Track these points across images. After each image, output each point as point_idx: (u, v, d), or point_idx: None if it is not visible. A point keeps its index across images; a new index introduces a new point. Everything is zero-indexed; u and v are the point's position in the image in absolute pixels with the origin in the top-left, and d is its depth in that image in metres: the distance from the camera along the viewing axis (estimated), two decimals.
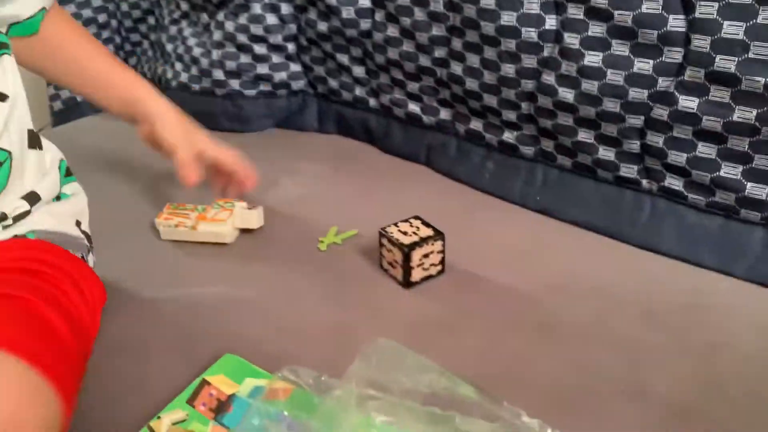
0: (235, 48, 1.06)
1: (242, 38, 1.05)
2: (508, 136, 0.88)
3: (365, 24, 0.95)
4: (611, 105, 0.75)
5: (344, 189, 0.93)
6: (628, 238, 0.77)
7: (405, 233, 0.71)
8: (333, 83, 1.05)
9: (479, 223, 0.83)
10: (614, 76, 0.73)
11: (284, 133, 1.12)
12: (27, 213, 0.58)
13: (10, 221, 0.57)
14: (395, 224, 0.72)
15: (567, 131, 0.81)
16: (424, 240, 0.70)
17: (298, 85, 1.09)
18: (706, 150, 0.71)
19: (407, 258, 0.68)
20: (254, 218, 0.80)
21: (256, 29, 1.04)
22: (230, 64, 1.07)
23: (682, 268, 0.72)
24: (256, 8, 1.03)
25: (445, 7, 0.85)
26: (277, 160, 1.02)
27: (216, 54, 1.08)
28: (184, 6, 1.13)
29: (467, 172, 0.92)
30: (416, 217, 0.73)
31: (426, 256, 0.70)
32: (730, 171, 0.70)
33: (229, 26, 1.05)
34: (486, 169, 0.90)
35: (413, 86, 0.96)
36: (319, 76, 1.06)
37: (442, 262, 0.71)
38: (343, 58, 1.01)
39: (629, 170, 0.78)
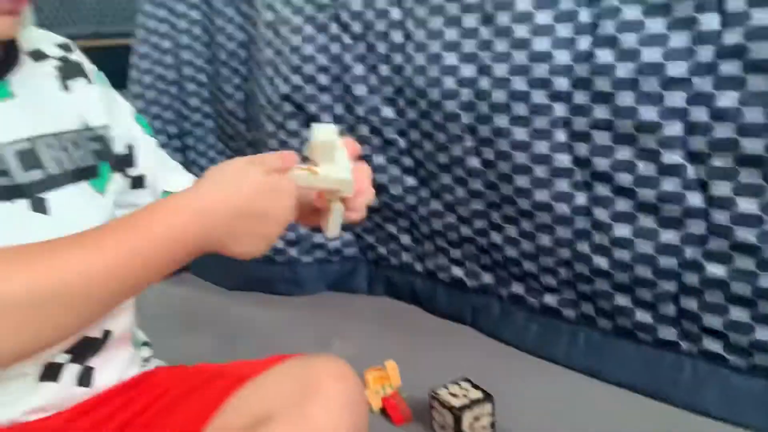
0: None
1: None
2: (550, 299, 0.93)
3: (412, 199, 1.05)
4: (643, 272, 0.80)
5: (393, 349, 0.97)
6: (670, 399, 0.78)
7: (455, 395, 0.74)
8: (382, 250, 1.13)
9: (526, 385, 0.85)
10: (644, 246, 0.79)
11: (336, 295, 1.19)
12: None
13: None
14: (445, 386, 0.75)
15: (605, 296, 0.85)
16: (474, 402, 0.72)
17: (350, 251, 1.17)
18: (739, 314, 0.74)
19: (458, 421, 0.71)
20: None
21: None
22: (290, 234, 1.17)
23: (726, 430, 0.73)
24: None
25: (483, 186, 0.94)
26: (329, 321, 1.08)
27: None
28: None
29: (512, 334, 0.96)
30: (465, 379, 0.77)
31: (476, 419, 0.72)
32: (766, 334, 0.72)
33: None
34: (530, 331, 0.94)
35: (456, 253, 1.03)
36: (369, 243, 1.15)
37: (493, 425, 0.74)
38: (392, 228, 1.10)
39: (668, 333, 0.81)
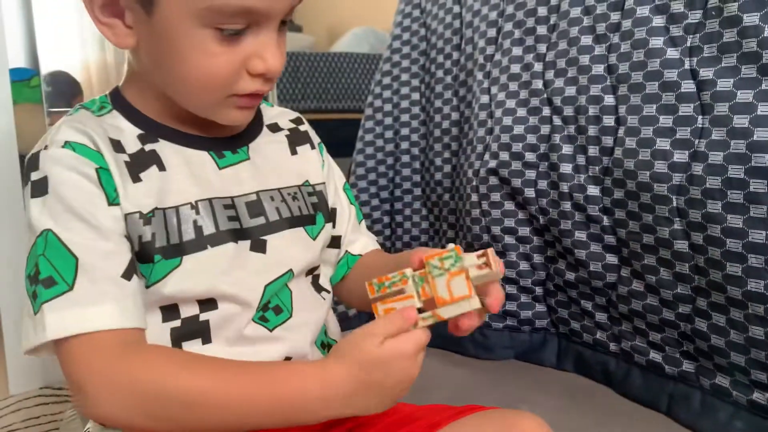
0: None
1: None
2: (759, 396, 0.86)
3: (611, 277, 1.04)
4: None
5: (581, 426, 0.95)
6: None
7: None
8: (575, 325, 1.13)
9: None
10: None
11: (523, 365, 1.20)
12: None
13: None
14: None
15: None
16: None
17: (542, 323, 1.18)
18: None
19: None
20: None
21: (510, 273, 1.18)
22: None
23: None
24: (512, 256, 1.18)
25: (690, 270, 0.92)
26: (516, 388, 1.09)
27: None
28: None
29: (713, 429, 0.90)
30: None
31: None
32: None
33: None
34: (734, 429, 0.88)
35: (655, 336, 1.00)
36: (562, 317, 1.15)
37: None
38: (587, 305, 1.10)
39: None
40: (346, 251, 0.73)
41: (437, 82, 1.33)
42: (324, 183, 0.70)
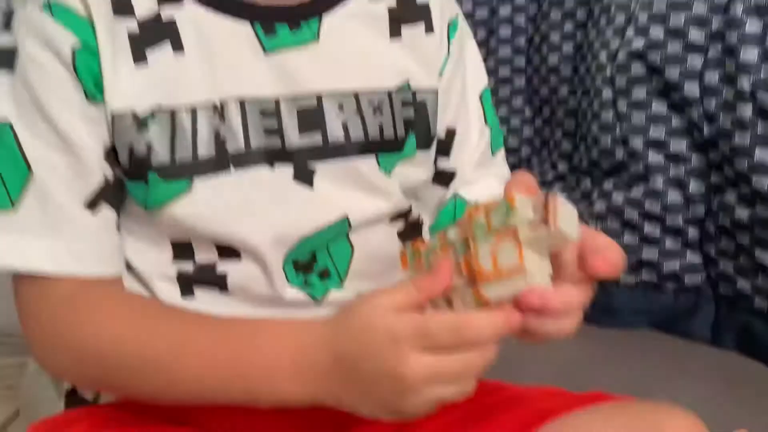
0: (619, 224, 1.18)
1: (632, 214, 1.16)
2: None
3: None
4: None
5: (743, 422, 0.93)
6: None
7: None
8: (744, 285, 1.09)
9: None
10: None
11: (662, 337, 1.18)
12: None
13: None
14: None
15: None
16: None
17: (693, 280, 1.15)
18: None
19: None
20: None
21: (653, 206, 1.14)
22: None
23: None
24: (658, 181, 1.14)
25: None
26: (651, 369, 1.07)
27: (594, 228, 1.20)
28: (562, 167, 1.30)
29: None
30: None
31: None
32: None
33: (618, 198, 1.17)
34: None
35: None
36: (724, 273, 1.12)
37: None
38: (765, 256, 1.06)
39: None
40: (456, 194, 0.69)
41: None
42: (436, 89, 0.64)
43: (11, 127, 0.54)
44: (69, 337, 0.55)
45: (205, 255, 0.58)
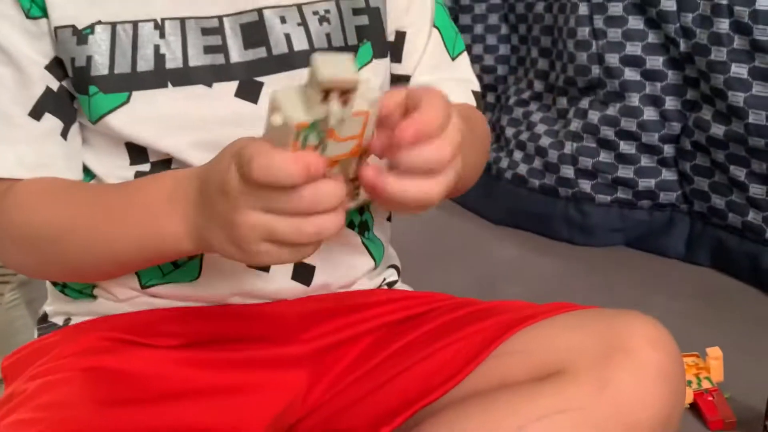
0: (595, 143, 1.17)
1: (607, 132, 1.16)
2: None
3: None
4: None
5: (715, 336, 0.95)
6: None
7: None
8: (717, 201, 1.10)
9: None
10: None
11: (637, 255, 1.19)
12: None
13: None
14: None
15: None
16: None
17: (668, 197, 1.16)
18: None
19: None
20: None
21: (628, 124, 1.14)
22: (585, 161, 1.18)
23: None
24: (633, 99, 1.13)
25: None
26: (626, 285, 1.09)
27: (569, 147, 1.20)
28: (539, 86, 1.29)
29: None
30: None
31: None
32: None
33: (594, 116, 1.17)
34: None
35: None
36: (699, 190, 1.12)
37: None
38: (739, 173, 1.06)
39: None
40: None
41: None
42: None
43: None
44: (4, 222, 0.59)
45: (159, 156, 0.60)
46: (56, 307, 0.66)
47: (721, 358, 0.86)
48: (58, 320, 0.65)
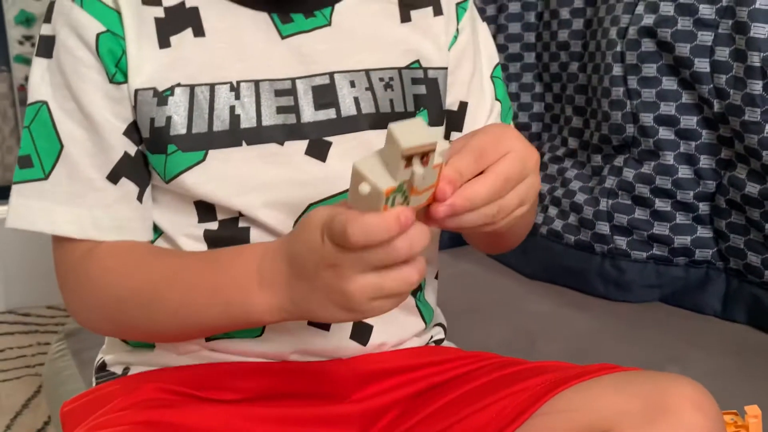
0: (630, 200, 1.19)
1: (642, 190, 1.18)
2: None
3: None
4: None
5: (753, 394, 0.95)
6: None
7: None
8: (753, 259, 1.11)
9: None
10: None
11: (673, 311, 1.20)
12: None
13: None
14: None
15: None
16: None
17: (704, 254, 1.17)
18: None
19: None
20: None
21: (663, 182, 1.16)
22: (620, 218, 1.20)
23: None
24: (668, 157, 1.15)
25: None
26: (663, 344, 1.09)
27: (604, 204, 1.22)
28: (573, 143, 1.31)
29: None
30: None
31: None
32: None
33: (629, 174, 1.19)
34: None
35: None
36: (734, 247, 1.13)
37: None
38: None
39: None
40: None
41: None
42: (446, 68, 0.68)
43: (47, 106, 0.61)
44: (87, 284, 0.62)
45: (227, 214, 0.63)
46: (115, 357, 0.68)
47: (760, 416, 0.85)
48: (117, 369, 0.68)
